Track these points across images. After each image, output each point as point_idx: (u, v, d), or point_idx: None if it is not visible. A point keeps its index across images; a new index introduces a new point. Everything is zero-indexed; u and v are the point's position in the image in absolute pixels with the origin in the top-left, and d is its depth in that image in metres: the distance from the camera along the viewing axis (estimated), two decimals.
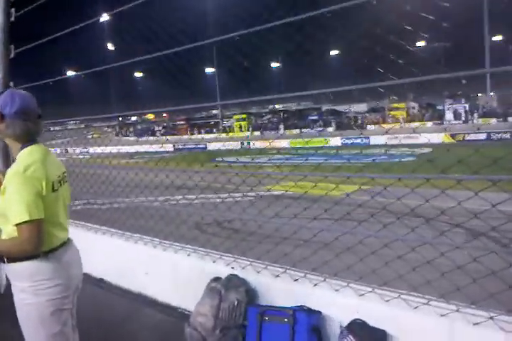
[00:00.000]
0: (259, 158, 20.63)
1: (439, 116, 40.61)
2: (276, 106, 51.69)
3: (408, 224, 2.48)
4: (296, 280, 2.62)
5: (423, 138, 25.96)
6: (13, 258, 1.76)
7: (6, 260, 1.79)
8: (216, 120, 53.54)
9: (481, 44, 40.86)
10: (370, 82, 2.25)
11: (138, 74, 55.20)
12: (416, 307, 2.16)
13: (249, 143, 32.87)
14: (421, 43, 45.84)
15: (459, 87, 38.21)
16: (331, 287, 2.46)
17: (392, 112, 44.54)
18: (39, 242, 1.71)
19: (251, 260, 2.98)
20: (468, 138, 26.02)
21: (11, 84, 3.85)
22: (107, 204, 7.21)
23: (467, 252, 2.22)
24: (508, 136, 25.11)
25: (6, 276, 1.86)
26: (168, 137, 45.84)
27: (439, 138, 26.34)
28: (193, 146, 35.00)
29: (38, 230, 1.70)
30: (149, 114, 53.65)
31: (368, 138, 29.30)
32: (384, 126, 41.24)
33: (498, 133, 25.47)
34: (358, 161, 14.91)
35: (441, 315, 2.06)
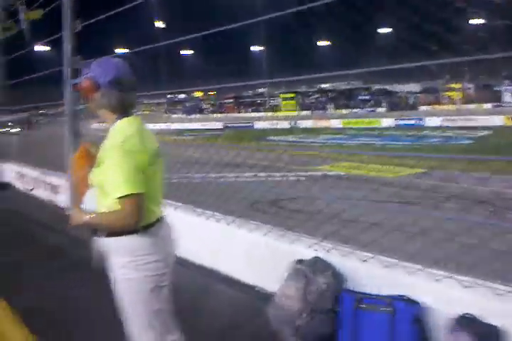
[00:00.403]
0: (317, 137, 20.21)
1: (497, 98, 38.22)
2: (325, 86, 50.24)
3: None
4: (387, 266, 2.48)
5: (482, 120, 24.68)
6: (113, 233, 1.71)
7: (104, 234, 1.74)
8: (263, 98, 52.98)
9: None
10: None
11: (186, 52, 55.17)
12: None
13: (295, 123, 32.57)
14: (479, 21, 42.83)
15: None
16: (429, 277, 2.30)
17: (448, 93, 42.28)
18: (141, 217, 1.65)
19: (334, 243, 2.86)
20: None
21: None
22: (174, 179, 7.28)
23: None
24: None
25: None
26: (217, 115, 46.03)
27: (499, 120, 24.93)
28: (243, 125, 34.76)
29: (140, 204, 1.64)
30: (197, 92, 53.77)
31: (422, 119, 28.20)
32: (437, 107, 39.41)
33: None
34: (417, 143, 14.22)
35: None
